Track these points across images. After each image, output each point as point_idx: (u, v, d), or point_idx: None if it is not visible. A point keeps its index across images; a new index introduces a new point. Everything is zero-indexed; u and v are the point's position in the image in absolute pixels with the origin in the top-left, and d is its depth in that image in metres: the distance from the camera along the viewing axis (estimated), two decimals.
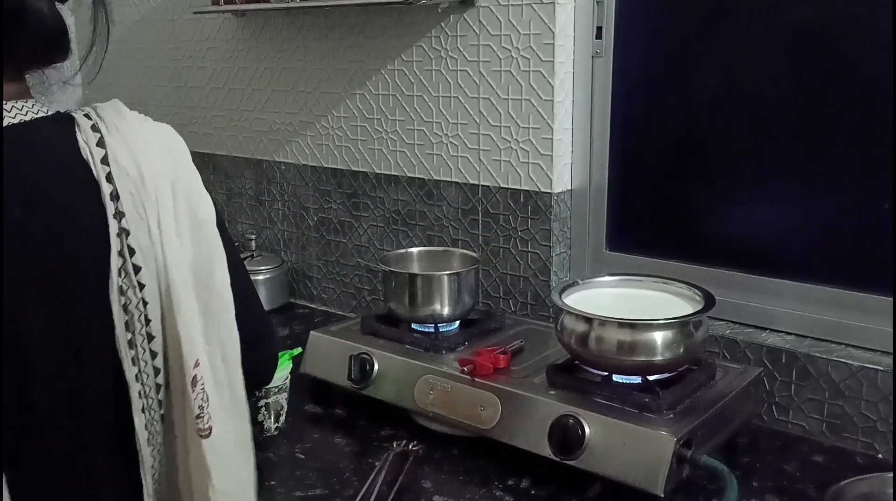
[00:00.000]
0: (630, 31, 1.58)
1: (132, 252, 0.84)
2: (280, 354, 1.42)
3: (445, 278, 1.49)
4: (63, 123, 0.86)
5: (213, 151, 2.24)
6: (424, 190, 1.81)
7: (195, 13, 2.03)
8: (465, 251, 1.66)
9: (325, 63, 1.94)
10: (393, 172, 1.87)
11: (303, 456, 1.34)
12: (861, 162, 1.39)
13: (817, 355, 1.37)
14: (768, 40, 1.45)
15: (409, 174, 1.84)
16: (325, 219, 2.02)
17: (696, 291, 1.34)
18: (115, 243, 0.83)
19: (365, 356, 1.44)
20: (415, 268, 1.63)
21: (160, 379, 0.87)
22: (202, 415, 0.87)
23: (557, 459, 1.20)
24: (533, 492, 1.22)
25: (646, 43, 1.59)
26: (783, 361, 1.40)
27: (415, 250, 1.68)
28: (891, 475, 1.12)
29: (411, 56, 1.78)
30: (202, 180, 0.91)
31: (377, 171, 1.90)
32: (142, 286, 0.85)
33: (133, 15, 2.34)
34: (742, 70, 1.48)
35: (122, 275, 0.84)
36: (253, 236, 2.09)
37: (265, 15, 2.02)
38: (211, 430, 0.87)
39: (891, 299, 1.35)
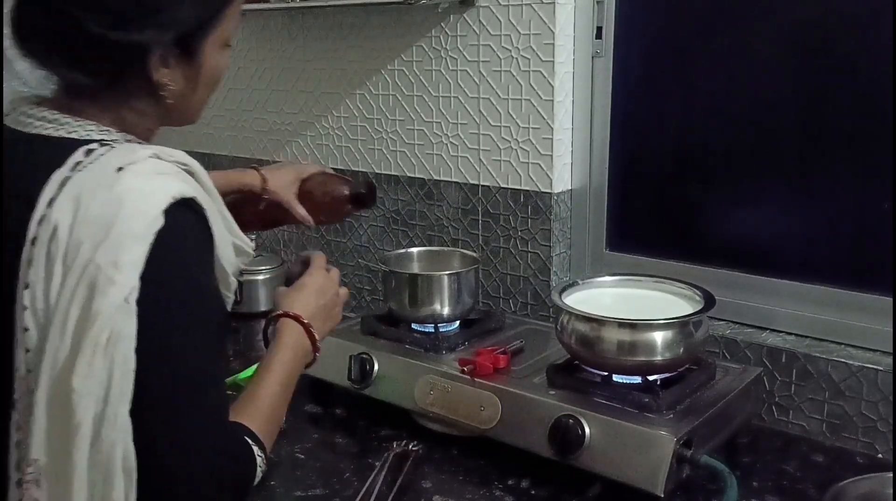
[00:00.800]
0: (630, 31, 1.58)
1: (24, 309, 0.77)
2: None
3: (445, 278, 1.49)
4: (68, 150, 0.82)
5: (213, 152, 2.24)
6: (424, 190, 1.81)
7: None
8: (465, 251, 1.65)
9: (325, 63, 1.94)
10: (393, 173, 1.87)
11: (303, 456, 1.34)
12: (861, 162, 1.39)
13: (817, 355, 1.37)
14: (768, 40, 1.45)
15: (409, 174, 1.84)
16: None
17: (696, 291, 1.34)
18: (19, 292, 0.77)
19: (365, 356, 1.44)
20: (415, 268, 1.63)
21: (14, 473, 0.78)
22: None
23: (557, 459, 1.20)
24: (533, 492, 1.22)
25: (646, 43, 1.59)
26: (783, 361, 1.40)
27: (415, 250, 1.67)
28: (891, 475, 1.12)
29: (411, 56, 1.78)
30: None
31: (377, 171, 1.90)
32: (27, 351, 0.77)
33: None
34: (742, 70, 1.48)
35: (20, 331, 0.77)
36: (253, 236, 2.09)
37: (265, 15, 2.02)
38: None
39: (891, 299, 1.35)
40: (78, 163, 0.81)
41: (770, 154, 1.47)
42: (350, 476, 1.27)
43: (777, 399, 1.42)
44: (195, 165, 0.87)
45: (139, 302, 0.76)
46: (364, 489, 1.20)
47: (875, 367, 1.32)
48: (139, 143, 0.89)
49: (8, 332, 0.79)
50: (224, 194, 0.92)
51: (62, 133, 0.84)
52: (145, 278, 0.76)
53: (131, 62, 0.86)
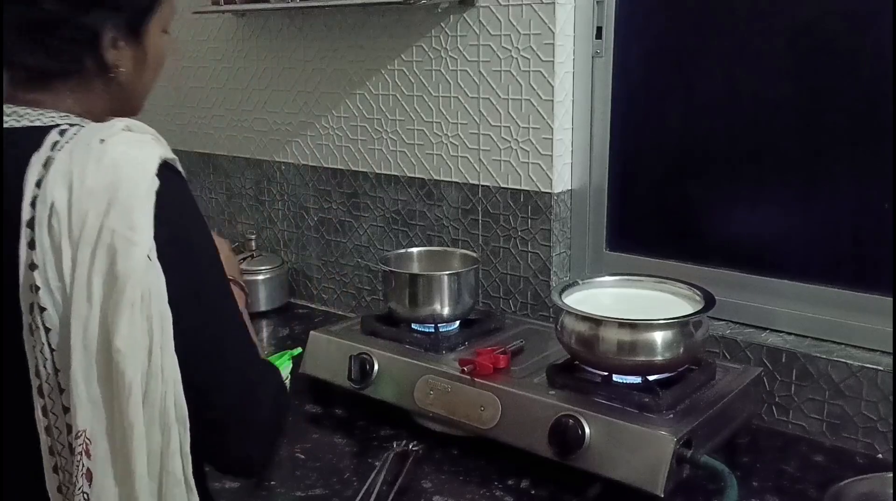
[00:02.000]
0: (630, 31, 1.58)
1: (37, 289, 0.77)
2: (280, 354, 1.42)
3: (445, 278, 1.49)
4: (38, 136, 0.82)
5: (213, 151, 2.24)
6: (424, 190, 1.81)
7: (195, 13, 2.03)
8: (465, 251, 1.66)
9: (325, 63, 1.94)
10: (393, 172, 1.87)
11: (303, 456, 1.34)
12: (861, 162, 1.39)
13: (817, 355, 1.37)
14: (768, 40, 1.45)
15: (409, 174, 1.84)
16: (325, 219, 2.02)
17: (696, 291, 1.34)
18: (24, 276, 0.78)
19: (365, 356, 1.44)
20: (415, 268, 1.63)
21: (60, 441, 0.80)
22: (74, 494, 0.78)
23: (557, 459, 1.20)
24: (533, 492, 1.22)
25: (646, 43, 1.59)
26: (783, 361, 1.40)
27: (415, 250, 1.68)
28: (891, 475, 1.12)
29: (411, 56, 1.78)
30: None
31: (377, 171, 1.90)
32: (48, 330, 0.78)
33: None
34: (742, 70, 1.48)
35: (31, 313, 0.78)
36: (253, 236, 2.09)
37: (265, 15, 2.02)
38: None
39: (891, 299, 1.35)
40: (55, 142, 0.82)
41: (770, 154, 1.47)
42: (350, 476, 1.27)
43: (777, 399, 1.42)
44: (161, 138, 0.90)
45: (160, 259, 0.79)
46: (364, 489, 1.20)
47: (875, 367, 1.32)
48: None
49: (10, 321, 0.79)
50: None
51: (25, 123, 0.86)
52: (158, 236, 0.79)
53: (85, 43, 0.88)
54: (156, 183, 0.81)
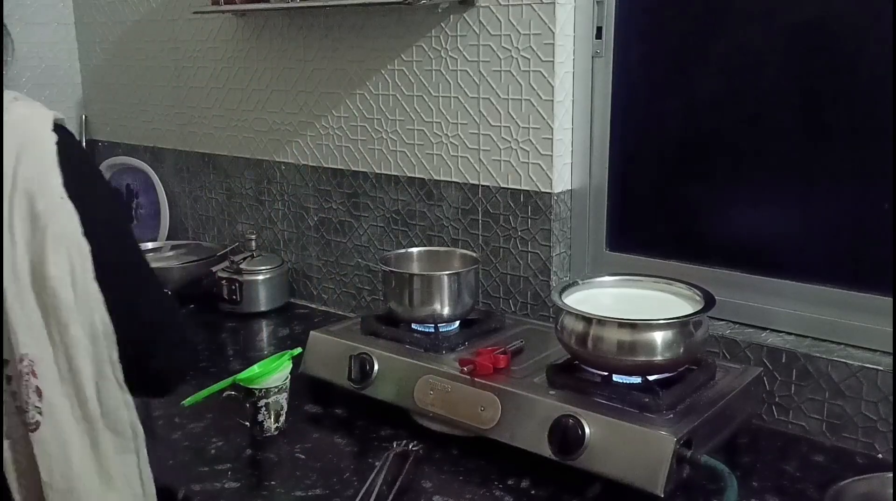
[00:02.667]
0: (630, 31, 1.58)
1: None
2: (280, 354, 1.43)
3: (445, 278, 1.49)
4: None
5: (213, 151, 2.24)
6: (424, 190, 1.81)
7: (195, 13, 2.03)
8: (465, 251, 1.66)
9: (325, 63, 1.94)
10: (393, 173, 1.87)
11: (303, 456, 1.34)
12: (861, 162, 1.39)
13: (817, 355, 1.37)
14: (768, 40, 1.45)
15: (409, 174, 1.84)
16: (325, 219, 2.02)
17: (696, 291, 1.34)
18: None
19: (365, 356, 1.44)
20: (415, 268, 1.63)
21: (9, 371, 0.90)
22: (27, 410, 0.89)
23: (557, 459, 1.20)
24: (533, 492, 1.22)
25: (646, 43, 1.59)
26: (783, 361, 1.40)
27: (415, 250, 1.68)
28: (891, 475, 1.12)
29: (411, 56, 1.78)
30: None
31: (377, 171, 1.90)
32: None
33: (133, 15, 2.34)
34: (742, 70, 1.48)
35: None
36: (253, 236, 2.09)
37: (265, 15, 2.02)
38: (38, 424, 0.89)
39: (891, 299, 1.35)
40: None
41: (770, 154, 1.47)
42: (350, 476, 1.27)
43: (777, 399, 1.42)
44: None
45: (71, 199, 0.90)
46: (364, 489, 1.20)
47: (875, 367, 1.32)
48: None
49: None
50: None
51: None
52: (64, 181, 0.90)
53: None
54: (54, 137, 0.92)
